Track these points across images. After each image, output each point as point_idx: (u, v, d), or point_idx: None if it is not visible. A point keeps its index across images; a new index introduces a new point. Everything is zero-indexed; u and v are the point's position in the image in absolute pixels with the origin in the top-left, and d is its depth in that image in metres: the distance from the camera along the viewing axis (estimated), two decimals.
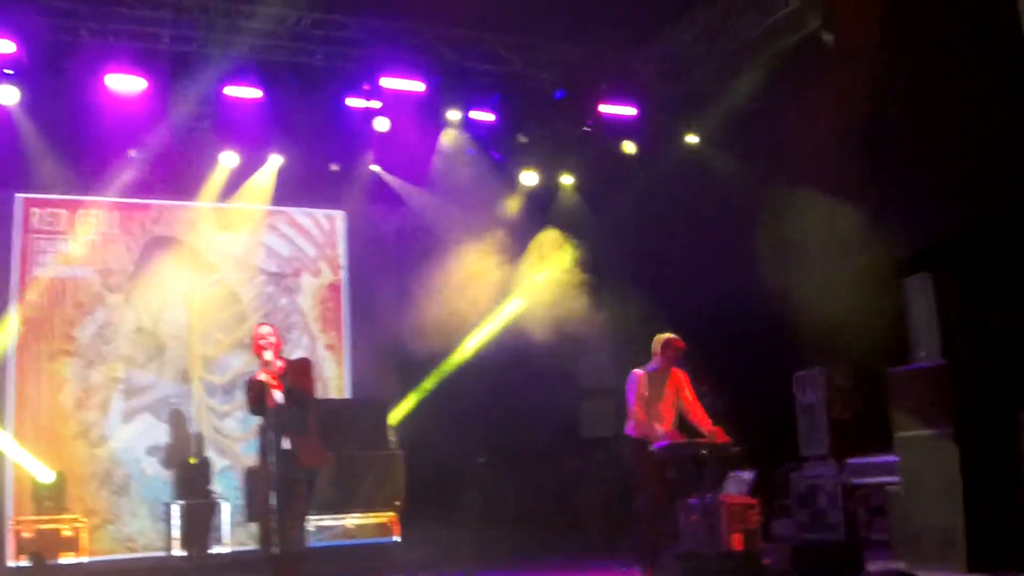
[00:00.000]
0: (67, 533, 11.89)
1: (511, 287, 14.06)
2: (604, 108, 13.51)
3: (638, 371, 9.32)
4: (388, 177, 14.65)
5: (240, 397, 11.85)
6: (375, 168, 14.53)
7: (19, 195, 13.42)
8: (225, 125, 12.88)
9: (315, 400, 8.52)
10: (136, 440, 13.39)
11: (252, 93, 12.33)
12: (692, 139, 13.80)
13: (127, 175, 13.03)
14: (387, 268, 14.92)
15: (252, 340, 8.33)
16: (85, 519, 12.28)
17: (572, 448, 14.27)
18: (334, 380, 14.71)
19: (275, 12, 11.65)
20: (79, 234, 13.52)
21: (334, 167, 14.26)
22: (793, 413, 11.81)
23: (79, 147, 12.89)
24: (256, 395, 8.05)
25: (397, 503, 12.61)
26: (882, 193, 10.82)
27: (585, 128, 13.89)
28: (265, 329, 8.28)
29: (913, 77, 9.96)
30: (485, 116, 13.51)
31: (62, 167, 12.91)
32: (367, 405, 13.60)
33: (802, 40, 11.97)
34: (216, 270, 14.34)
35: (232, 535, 12.86)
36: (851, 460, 10.73)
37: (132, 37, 11.81)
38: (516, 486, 13.71)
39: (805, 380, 11.73)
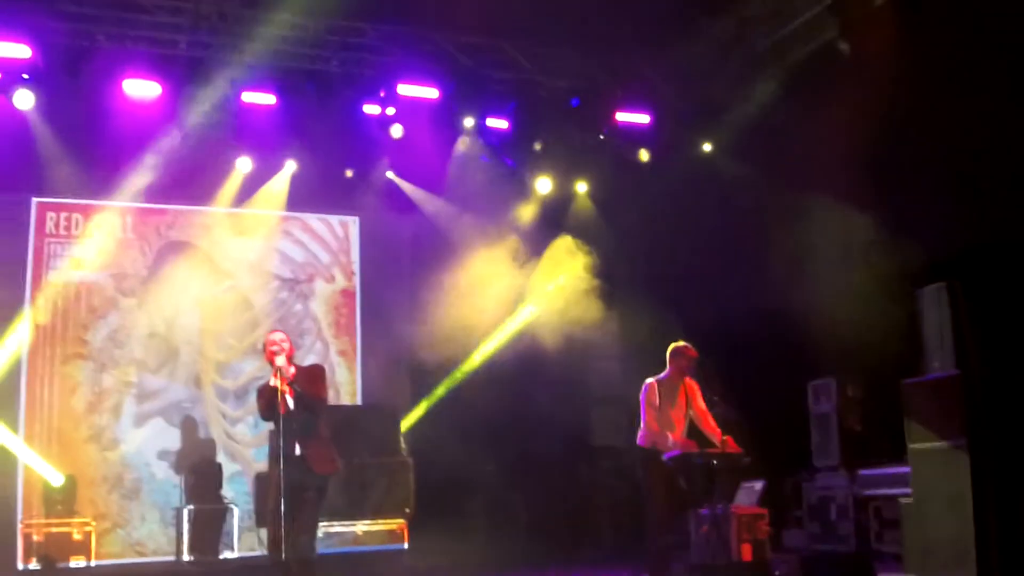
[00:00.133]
0: (77, 537, 11.90)
1: (524, 294, 14.03)
2: (619, 116, 13.50)
3: (650, 380, 9.31)
4: (403, 184, 14.66)
5: (252, 402, 11.86)
6: (390, 174, 14.54)
7: (35, 199, 13.45)
8: (241, 131, 12.88)
9: (327, 407, 8.50)
10: (147, 444, 13.40)
11: (268, 99, 12.40)
12: (706, 148, 13.78)
13: (142, 180, 13.03)
14: (401, 275, 14.92)
15: (264, 346, 8.31)
16: (95, 523, 12.29)
17: (583, 456, 14.24)
18: (346, 386, 14.70)
19: (292, 19, 11.68)
20: (93, 238, 13.54)
21: (349, 173, 14.27)
22: (806, 423, 11.78)
23: (94, 152, 12.93)
24: (268, 401, 8.03)
25: (407, 510, 12.59)
26: (896, 203, 10.79)
27: (600, 136, 13.86)
28: (277, 335, 8.27)
29: (928, 87, 9.94)
30: (500, 123, 13.51)
31: (77, 171, 12.94)
32: (378, 412, 13.60)
33: (817, 50, 11.97)
34: (230, 275, 14.36)
35: (242, 541, 12.87)
36: (863, 471, 10.69)
37: (149, 43, 11.90)
38: (526, 494, 13.68)
39: (818, 390, 11.69)
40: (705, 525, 9.11)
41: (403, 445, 13.15)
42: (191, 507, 12.48)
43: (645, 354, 9.57)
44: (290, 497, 7.82)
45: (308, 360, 13.73)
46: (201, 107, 12.22)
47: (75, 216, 13.61)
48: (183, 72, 12.02)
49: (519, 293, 13.95)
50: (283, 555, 7.72)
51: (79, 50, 11.55)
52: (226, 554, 12.61)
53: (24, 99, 11.60)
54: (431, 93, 12.71)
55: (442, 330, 13.81)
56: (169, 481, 13.30)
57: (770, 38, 12.37)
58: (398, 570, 12.40)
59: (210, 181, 13.80)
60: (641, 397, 9.27)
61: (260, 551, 12.64)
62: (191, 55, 12.04)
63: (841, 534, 10.89)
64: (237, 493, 13.42)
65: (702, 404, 9.37)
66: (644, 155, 13.91)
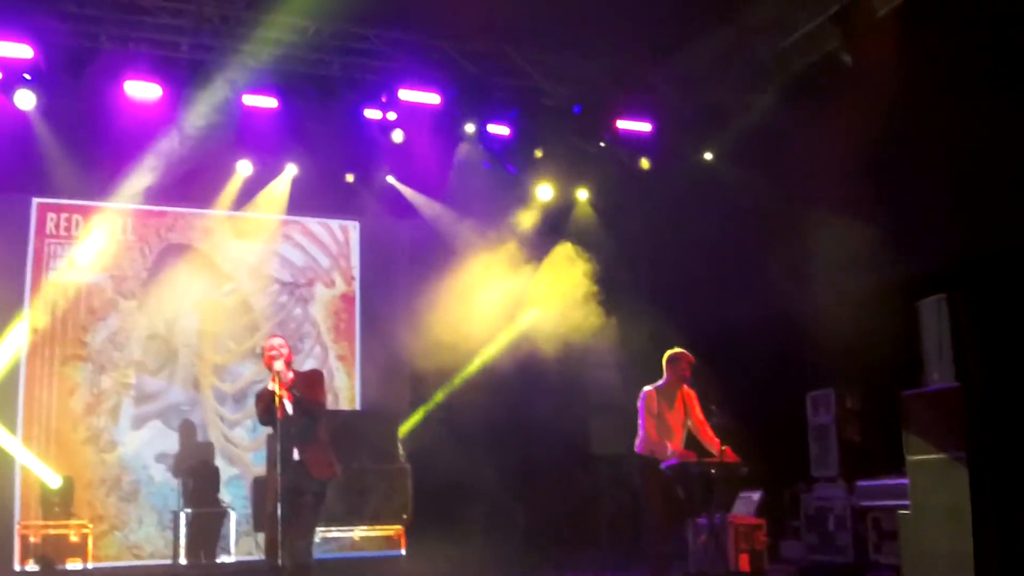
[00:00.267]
0: (74, 539, 11.87)
1: (524, 301, 14.02)
2: (621, 124, 13.50)
3: (648, 388, 9.29)
4: (404, 189, 14.66)
5: (250, 406, 11.84)
6: (391, 179, 14.54)
7: (35, 200, 13.45)
8: (242, 134, 12.89)
9: (326, 411, 8.50)
10: (145, 447, 13.38)
11: (269, 102, 12.41)
12: (707, 156, 13.78)
13: (143, 182, 13.03)
14: (401, 280, 14.91)
15: (263, 351, 8.31)
16: (92, 525, 12.27)
17: (581, 463, 14.21)
18: (345, 391, 14.69)
19: (294, 22, 11.68)
20: (94, 240, 13.52)
21: (350, 178, 14.26)
22: (804, 434, 11.77)
23: (95, 153, 12.94)
24: (266, 406, 8.03)
25: (404, 516, 12.57)
26: (897, 214, 10.79)
27: (601, 143, 13.86)
28: (276, 340, 8.28)
29: (930, 97, 9.95)
30: (501, 130, 13.51)
31: (78, 173, 12.96)
32: (377, 417, 13.59)
33: (819, 60, 11.98)
34: (230, 279, 14.35)
35: (239, 545, 12.83)
36: (861, 482, 10.68)
37: (151, 45, 11.90)
38: (524, 501, 13.66)
39: (817, 401, 11.68)
40: (703, 535, 9.09)
41: (401, 451, 13.12)
42: (189, 510, 12.45)
43: (645, 362, 9.56)
44: (288, 502, 7.81)
45: (307, 365, 13.79)
46: (202, 109, 12.24)
47: (75, 217, 13.60)
48: (184, 74, 12.03)
49: (519, 300, 13.93)
50: (279, 560, 7.70)
51: (81, 51, 11.56)
52: (223, 558, 12.58)
53: (25, 99, 11.60)
54: (433, 99, 12.72)
55: (442, 336, 13.80)
56: (167, 484, 13.29)
57: (772, 47, 12.38)
58: None
59: (211, 184, 13.81)
60: (639, 405, 9.24)
61: (257, 555, 12.58)
62: (193, 57, 12.05)
63: (839, 545, 10.88)
64: (235, 497, 13.40)
65: (700, 414, 9.35)
66: (645, 163, 13.91)
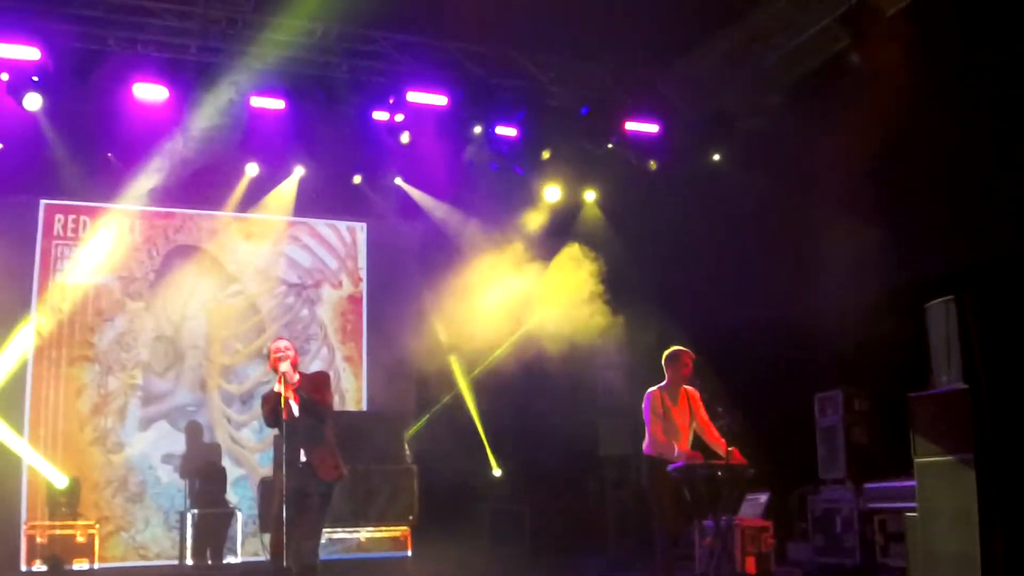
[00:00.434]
0: (80, 539, 11.90)
1: (531, 302, 14.00)
2: (629, 125, 13.49)
3: (652, 389, 9.25)
4: (411, 190, 14.66)
5: (257, 407, 11.83)
6: (398, 181, 14.54)
7: (43, 201, 13.48)
8: (249, 135, 12.88)
9: (332, 413, 8.48)
10: (152, 448, 13.42)
11: (277, 104, 12.41)
12: (715, 158, 13.75)
13: (150, 183, 13.05)
14: (408, 281, 14.91)
15: (269, 353, 8.30)
16: (98, 525, 12.29)
17: (588, 465, 14.20)
18: (352, 392, 14.70)
19: (301, 25, 11.68)
20: (101, 241, 13.55)
21: (357, 179, 14.27)
22: (812, 436, 11.73)
23: (103, 155, 13.00)
24: (272, 407, 8.01)
25: (410, 517, 12.57)
26: (905, 215, 10.75)
27: (609, 145, 13.85)
28: (282, 343, 8.27)
29: (939, 99, 9.91)
30: (509, 131, 13.50)
31: (86, 174, 13.01)
32: (383, 418, 13.58)
33: (828, 61, 11.95)
34: (237, 280, 14.38)
35: (245, 545, 12.88)
36: (868, 485, 10.64)
37: (159, 47, 11.90)
38: (530, 502, 13.65)
39: (825, 402, 11.65)
40: (709, 537, 9.05)
41: (408, 452, 13.12)
42: (195, 511, 12.48)
43: (652, 363, 9.51)
44: (294, 503, 7.80)
45: (314, 366, 13.81)
46: (210, 111, 12.23)
47: (83, 218, 13.64)
48: (192, 77, 12.04)
49: (526, 301, 13.92)
50: (285, 561, 7.69)
51: (89, 53, 11.57)
52: (229, 559, 12.62)
53: (33, 101, 11.59)
54: (440, 100, 12.70)
55: (449, 337, 13.82)
56: (173, 485, 13.31)
57: (781, 49, 12.34)
58: None
59: (218, 185, 13.86)
60: (644, 407, 9.19)
61: (263, 556, 12.60)
62: (200, 60, 12.05)
63: (846, 547, 10.83)
64: (241, 498, 13.43)
65: (705, 414, 9.30)
66: (653, 164, 13.88)
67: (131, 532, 13.11)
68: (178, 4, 11.45)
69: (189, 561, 12.30)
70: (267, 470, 13.10)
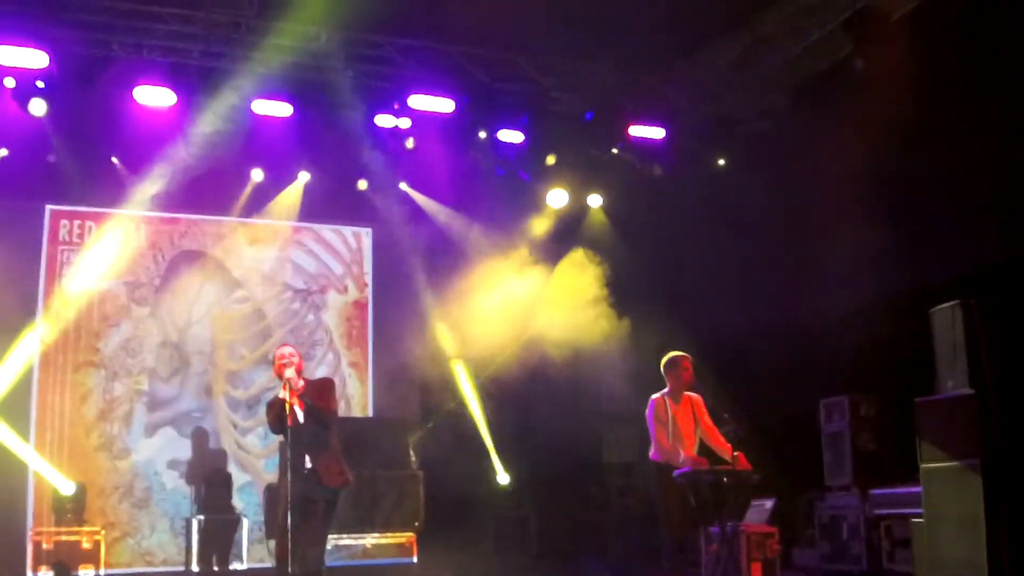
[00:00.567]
0: (86, 545, 11.90)
1: (536, 307, 13.98)
2: (633, 130, 13.48)
3: (655, 396, 9.23)
4: (416, 195, 14.65)
5: (263, 413, 11.84)
6: (403, 186, 14.54)
7: (48, 207, 13.50)
8: (254, 141, 12.92)
9: (337, 419, 8.48)
10: (158, 453, 13.42)
11: (281, 109, 12.42)
12: (720, 162, 13.74)
13: (155, 189, 13.04)
14: (413, 287, 14.88)
15: (273, 360, 8.33)
16: (104, 532, 12.29)
17: (593, 472, 14.18)
18: (357, 398, 14.68)
19: (306, 30, 11.68)
20: (106, 247, 13.54)
21: (362, 184, 14.26)
22: (818, 441, 11.71)
23: (108, 160, 13.03)
24: (277, 414, 8.02)
25: (416, 523, 12.54)
26: (910, 220, 10.73)
27: (614, 150, 13.84)
28: (287, 349, 8.31)
29: (943, 103, 9.89)
30: (514, 136, 13.49)
31: (91, 180, 13.04)
32: (388, 424, 13.57)
33: (832, 66, 11.94)
34: (242, 285, 14.38)
35: (251, 552, 12.84)
36: (875, 491, 10.61)
37: (163, 52, 11.90)
38: (536, 509, 13.62)
39: (831, 408, 11.62)
40: (715, 543, 9.02)
41: (413, 458, 13.10)
42: (201, 517, 12.46)
43: (656, 369, 9.49)
44: (299, 509, 7.80)
45: (320, 372, 13.79)
46: (214, 117, 12.25)
47: (88, 224, 13.65)
48: (197, 82, 12.06)
49: (531, 306, 13.90)
50: (290, 568, 7.68)
51: (94, 59, 11.59)
52: (235, 565, 12.58)
53: (39, 107, 11.62)
54: (445, 105, 12.70)
55: (454, 343, 13.81)
56: (179, 491, 13.31)
57: (785, 53, 12.32)
58: None
59: (224, 191, 13.87)
60: (648, 415, 9.16)
61: (269, 563, 12.50)
62: (205, 65, 12.06)
63: (853, 554, 10.81)
64: (247, 504, 13.42)
65: (709, 420, 9.27)
66: (658, 169, 13.86)
67: (137, 538, 13.10)
68: (182, 9, 11.44)
69: (195, 567, 12.28)
70: (273, 476, 13.14)
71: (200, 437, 13.46)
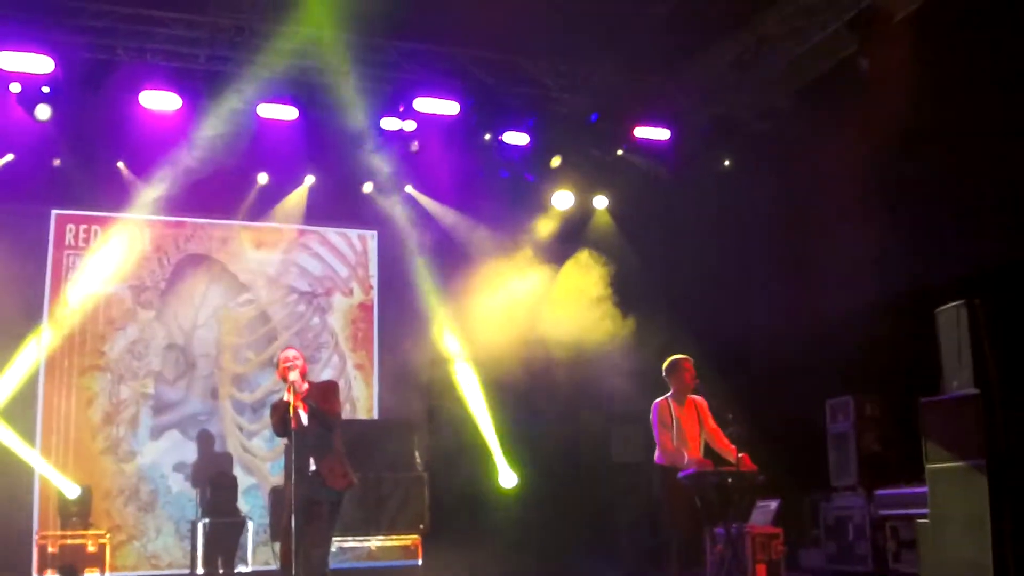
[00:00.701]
0: (91, 549, 11.91)
1: (542, 309, 13.97)
2: (638, 132, 13.49)
3: (659, 400, 9.23)
4: (421, 198, 14.65)
5: (268, 416, 11.87)
6: (409, 189, 14.54)
7: (54, 211, 13.53)
8: (259, 144, 12.94)
9: (341, 421, 8.48)
10: (163, 457, 13.44)
11: (287, 113, 12.44)
12: (726, 163, 13.74)
13: (161, 192, 13.06)
14: (419, 289, 14.86)
15: (278, 363, 8.34)
16: (110, 535, 12.31)
17: (600, 473, 14.16)
18: (363, 400, 14.69)
19: (310, 33, 11.69)
20: (112, 250, 13.55)
21: (368, 187, 14.27)
22: (823, 442, 11.69)
23: (114, 164, 13.06)
24: (280, 417, 8.03)
25: (421, 526, 12.53)
26: (914, 220, 10.72)
27: (619, 151, 13.85)
28: (291, 352, 8.31)
29: (948, 103, 9.88)
30: (519, 138, 13.50)
31: (96, 184, 13.07)
32: (394, 426, 13.55)
33: (836, 66, 11.93)
34: (248, 289, 14.40)
35: (256, 554, 12.87)
36: (880, 491, 10.59)
37: (168, 56, 11.92)
38: (542, 510, 13.60)
39: (836, 408, 11.61)
40: (719, 544, 9.01)
41: (419, 459, 13.10)
42: (206, 520, 12.46)
43: (662, 369, 9.50)
44: (303, 512, 7.80)
45: (325, 374, 13.81)
46: (220, 120, 12.27)
47: (94, 228, 13.67)
48: (202, 86, 12.09)
49: (537, 307, 13.89)
50: (294, 570, 7.68)
51: (99, 64, 11.61)
52: (241, 568, 12.62)
53: (44, 112, 11.65)
54: (450, 108, 12.71)
55: (460, 345, 13.81)
56: (185, 494, 13.31)
57: (789, 54, 12.32)
58: None
59: (229, 194, 13.88)
60: (652, 418, 9.16)
61: (274, 565, 12.54)
62: (210, 69, 12.09)
63: (858, 554, 10.79)
64: (252, 507, 13.43)
65: (713, 423, 9.27)
66: (663, 170, 13.86)
67: (142, 541, 13.12)
68: (186, 14, 11.48)
69: (200, 570, 12.28)
70: (278, 479, 13.12)
71: (206, 440, 13.46)
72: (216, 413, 13.84)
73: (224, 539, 12.51)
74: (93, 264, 13.48)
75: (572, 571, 12.99)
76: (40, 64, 11.18)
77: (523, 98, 13.27)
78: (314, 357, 14.15)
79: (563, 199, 14.43)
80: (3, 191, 12.54)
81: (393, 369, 14.60)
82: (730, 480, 8.79)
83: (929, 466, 8.47)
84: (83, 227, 13.66)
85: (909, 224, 10.74)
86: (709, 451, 9.30)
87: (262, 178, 13.82)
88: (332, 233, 15.01)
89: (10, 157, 12.53)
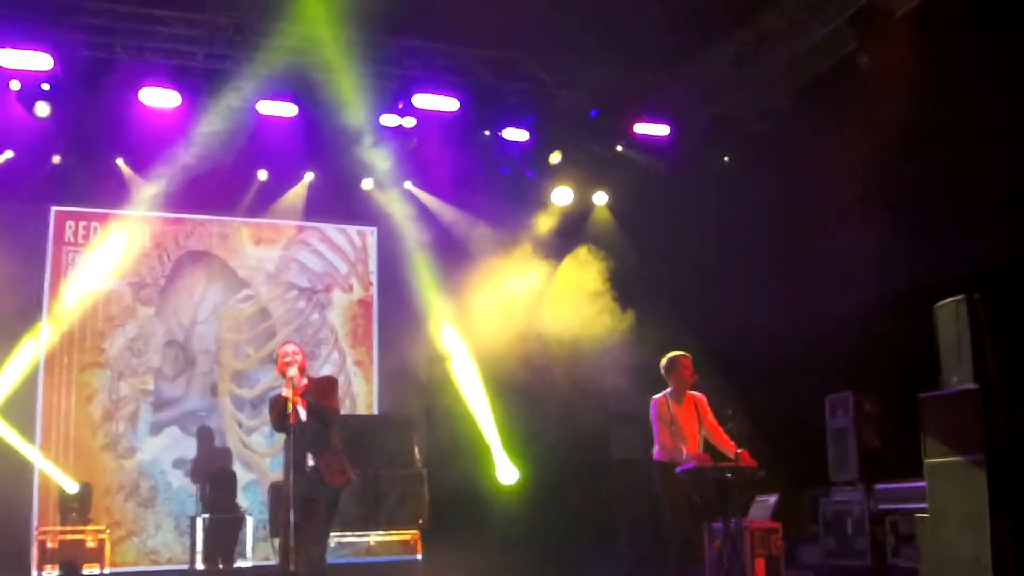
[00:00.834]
0: (91, 544, 11.93)
1: (542, 305, 13.98)
2: (638, 128, 13.49)
3: (657, 396, 9.25)
4: (421, 194, 14.65)
5: (268, 412, 11.88)
6: (408, 185, 14.53)
7: (53, 208, 13.53)
8: (259, 141, 12.95)
9: (339, 418, 8.49)
10: (163, 453, 13.45)
11: (286, 109, 12.44)
12: (725, 160, 13.74)
13: (160, 189, 13.07)
14: (418, 285, 14.85)
15: (277, 358, 8.36)
16: (109, 531, 12.32)
17: (600, 469, 14.16)
18: (362, 396, 14.70)
19: (309, 31, 11.69)
20: (112, 247, 13.55)
21: (367, 184, 14.27)
22: (823, 437, 11.70)
23: (113, 161, 13.06)
24: (279, 412, 8.04)
25: (420, 521, 12.53)
26: (914, 217, 10.72)
27: (618, 147, 13.86)
28: (290, 347, 8.31)
29: (948, 100, 9.88)
30: (519, 135, 13.50)
31: (96, 181, 13.10)
32: (393, 422, 13.53)
33: (837, 63, 11.92)
34: (248, 285, 14.41)
35: (256, 550, 12.86)
36: (879, 486, 10.60)
37: (167, 54, 11.92)
38: (542, 507, 13.61)
39: (835, 404, 11.61)
40: (718, 540, 9.02)
41: (418, 456, 13.10)
42: (206, 516, 12.47)
43: (661, 368, 9.51)
44: (301, 508, 7.81)
45: (325, 370, 13.83)
46: (219, 117, 12.28)
47: (93, 225, 13.68)
48: (201, 83, 12.08)
49: (537, 303, 13.91)
50: (292, 566, 7.70)
51: (98, 61, 11.60)
52: (240, 563, 12.59)
53: (43, 109, 11.65)
54: (450, 104, 12.71)
55: (459, 341, 13.81)
56: (184, 490, 13.33)
57: (789, 52, 12.31)
58: None
59: (228, 191, 13.90)
60: (651, 415, 9.19)
61: (274, 561, 12.51)
62: (209, 67, 12.08)
63: (857, 549, 10.79)
64: (252, 502, 13.45)
65: (713, 419, 9.28)
66: (662, 167, 13.86)
67: (142, 537, 13.14)
68: (185, 12, 11.48)
69: (200, 566, 12.28)
70: (278, 475, 13.13)
71: (205, 436, 13.48)
72: (216, 409, 13.86)
73: (223, 535, 12.50)
74: (93, 261, 13.48)
75: (571, 567, 13.00)
76: (39, 61, 11.19)
77: (523, 94, 13.27)
78: (314, 353, 14.17)
79: (563, 195, 14.44)
80: (3, 188, 12.57)
81: (392, 365, 14.62)
82: (729, 475, 8.81)
83: (928, 461, 8.48)
84: (83, 224, 13.67)
85: (909, 223, 10.74)
86: (708, 447, 9.31)
87: (262, 175, 13.85)
88: (332, 229, 15.02)
89: (10, 154, 12.56)
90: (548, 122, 13.52)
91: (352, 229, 15.12)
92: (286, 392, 8.00)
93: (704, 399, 9.32)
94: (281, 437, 8.37)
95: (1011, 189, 9.77)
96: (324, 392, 8.28)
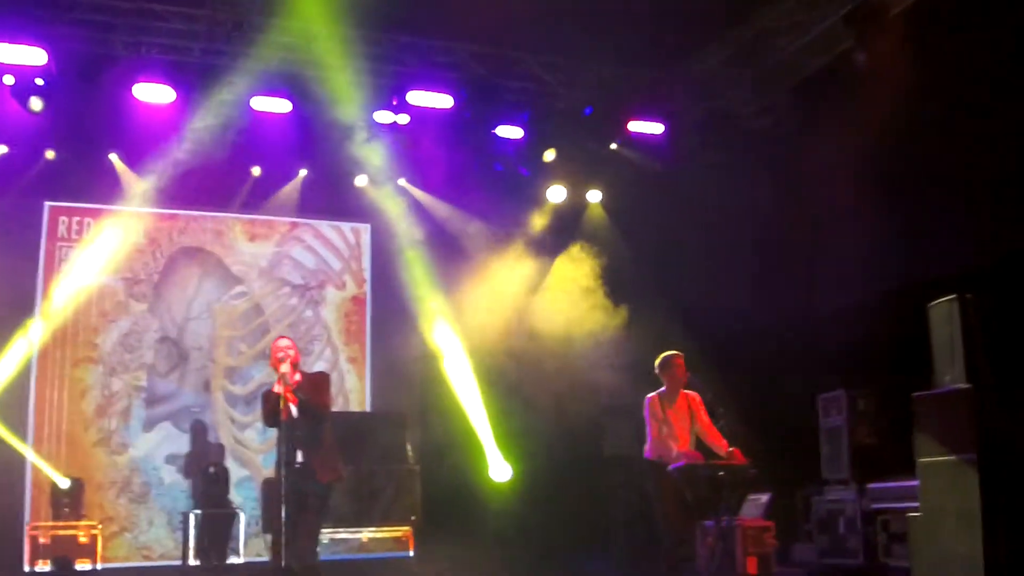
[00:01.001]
0: (83, 540, 11.91)
1: (536, 302, 13.98)
2: (633, 126, 13.49)
3: (651, 395, 9.24)
4: (415, 191, 14.64)
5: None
6: (402, 182, 14.52)
7: (47, 203, 13.49)
8: (253, 137, 12.95)
9: (331, 414, 8.47)
10: (156, 449, 13.43)
11: (280, 106, 12.43)
12: (720, 158, 13.73)
13: (154, 185, 13.04)
14: (411, 282, 14.83)
15: (270, 353, 8.33)
16: (101, 526, 12.30)
17: (593, 466, 14.16)
18: (355, 393, 14.68)
19: (305, 27, 11.68)
20: (105, 243, 13.52)
21: (361, 180, 14.25)
22: (816, 436, 11.70)
23: (107, 157, 13.04)
24: (271, 408, 8.03)
25: (413, 518, 12.54)
26: (909, 215, 10.72)
27: (613, 145, 13.85)
28: (283, 343, 8.28)
29: (943, 97, 9.89)
30: (514, 132, 13.50)
31: (90, 176, 13.07)
32: (386, 419, 13.56)
33: (833, 61, 11.93)
34: (241, 281, 14.39)
35: (248, 546, 12.88)
36: (872, 485, 10.60)
37: (163, 50, 11.92)
38: (535, 503, 13.60)
39: (829, 403, 11.61)
40: (710, 538, 9.02)
41: (411, 452, 13.10)
42: (199, 512, 12.47)
43: (654, 365, 9.51)
44: (292, 503, 7.79)
45: (317, 366, 13.79)
46: (213, 113, 12.27)
47: (87, 220, 13.64)
48: (197, 79, 12.10)
49: (530, 300, 13.90)
50: (283, 561, 7.69)
51: (92, 56, 11.61)
52: (233, 559, 12.61)
53: (38, 104, 11.63)
54: (444, 101, 12.71)
55: (453, 338, 13.79)
56: (177, 486, 13.32)
57: (785, 49, 12.31)
58: None
59: (222, 187, 13.89)
60: (645, 412, 9.18)
61: (267, 557, 12.58)
62: (205, 62, 12.09)
63: (849, 548, 10.80)
64: (245, 498, 13.43)
65: (706, 417, 9.27)
66: (656, 165, 13.86)
67: (134, 533, 13.11)
68: (183, 7, 11.47)
69: (192, 562, 12.29)
70: (271, 471, 13.04)
71: (198, 432, 13.48)
72: (209, 405, 13.84)
73: (216, 531, 12.52)
74: (86, 256, 13.44)
75: (564, 563, 12.98)
76: (33, 56, 11.17)
77: (517, 92, 13.28)
78: (307, 350, 14.15)
79: (557, 193, 14.45)
80: None
81: (386, 362, 14.62)
82: (721, 473, 8.80)
83: (921, 460, 8.47)
84: (76, 219, 13.63)
85: (903, 219, 10.74)
86: (701, 446, 9.30)
87: (255, 171, 13.82)
88: (325, 226, 15.00)
89: (3, 149, 12.56)
90: (542, 119, 13.54)
91: (346, 226, 15.10)
92: (277, 388, 7.98)
93: (698, 398, 9.30)
94: (274, 433, 8.36)
95: (1006, 186, 9.77)
96: (316, 388, 8.25)
